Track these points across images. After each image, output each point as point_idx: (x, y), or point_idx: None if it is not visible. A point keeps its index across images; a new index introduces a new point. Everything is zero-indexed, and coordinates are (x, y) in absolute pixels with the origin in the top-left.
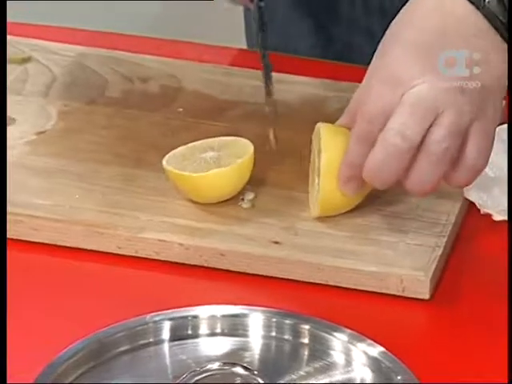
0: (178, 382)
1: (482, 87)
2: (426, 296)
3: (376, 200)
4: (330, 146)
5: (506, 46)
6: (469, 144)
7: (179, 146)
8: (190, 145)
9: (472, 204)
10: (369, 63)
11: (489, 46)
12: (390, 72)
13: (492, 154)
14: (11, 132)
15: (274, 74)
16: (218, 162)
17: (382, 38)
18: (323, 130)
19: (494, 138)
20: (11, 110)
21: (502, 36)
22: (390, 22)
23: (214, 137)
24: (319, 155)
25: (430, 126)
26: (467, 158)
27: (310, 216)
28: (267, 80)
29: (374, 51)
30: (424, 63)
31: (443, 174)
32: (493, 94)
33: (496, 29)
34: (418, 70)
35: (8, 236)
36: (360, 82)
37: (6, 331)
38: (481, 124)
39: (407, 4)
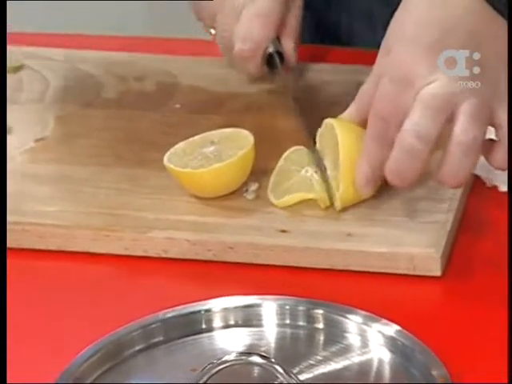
0: (195, 374)
1: (492, 67)
2: (438, 273)
3: None
4: (346, 142)
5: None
6: (504, 124)
7: (180, 142)
8: (189, 140)
9: (477, 177)
10: (367, 47)
11: (494, 30)
12: (400, 71)
13: None
14: (10, 141)
15: None
16: (219, 156)
17: (379, 20)
18: (337, 126)
19: None
20: (8, 120)
21: (503, 15)
22: (389, 4)
23: (214, 130)
24: (334, 152)
25: (449, 120)
26: (504, 139)
27: (320, 204)
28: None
29: (373, 35)
30: (432, 60)
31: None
32: (500, 71)
33: (499, 11)
34: (428, 67)
35: (15, 246)
36: (358, 64)
37: (5, 332)
38: (503, 101)
39: None
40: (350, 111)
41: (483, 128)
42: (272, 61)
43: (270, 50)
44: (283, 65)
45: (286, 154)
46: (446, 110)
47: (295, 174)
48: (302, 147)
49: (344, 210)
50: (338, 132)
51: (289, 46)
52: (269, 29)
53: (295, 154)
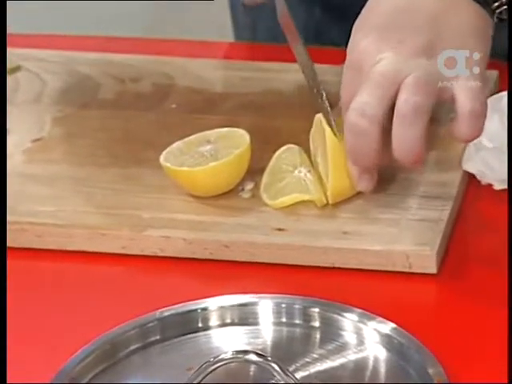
0: (192, 373)
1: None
2: (434, 270)
3: None
4: (332, 136)
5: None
6: (458, 95)
7: (176, 142)
8: (186, 139)
9: (472, 175)
10: None
11: (449, 5)
12: (353, 57)
13: (488, 123)
14: (7, 142)
15: (266, 64)
16: (216, 155)
17: None
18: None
19: (485, 80)
20: None
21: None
22: None
23: (210, 130)
24: (324, 146)
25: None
26: (462, 108)
27: (316, 203)
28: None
29: None
30: (380, 43)
31: (425, 135)
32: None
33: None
34: (376, 49)
35: (13, 245)
36: None
37: (5, 332)
38: (463, 79)
39: None
40: (338, 107)
41: (426, 97)
42: None
43: None
44: None
45: (277, 154)
46: (391, 86)
47: (288, 175)
48: (293, 146)
49: (339, 207)
50: (324, 125)
51: None
52: None
53: (287, 153)
